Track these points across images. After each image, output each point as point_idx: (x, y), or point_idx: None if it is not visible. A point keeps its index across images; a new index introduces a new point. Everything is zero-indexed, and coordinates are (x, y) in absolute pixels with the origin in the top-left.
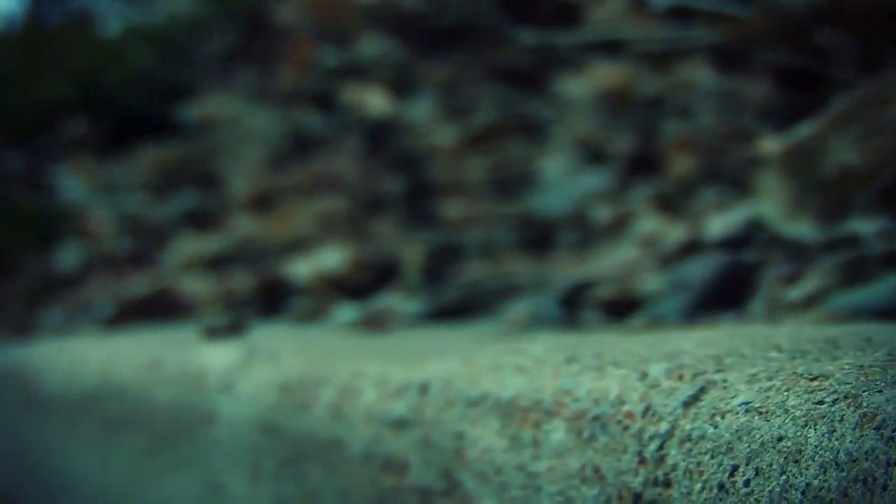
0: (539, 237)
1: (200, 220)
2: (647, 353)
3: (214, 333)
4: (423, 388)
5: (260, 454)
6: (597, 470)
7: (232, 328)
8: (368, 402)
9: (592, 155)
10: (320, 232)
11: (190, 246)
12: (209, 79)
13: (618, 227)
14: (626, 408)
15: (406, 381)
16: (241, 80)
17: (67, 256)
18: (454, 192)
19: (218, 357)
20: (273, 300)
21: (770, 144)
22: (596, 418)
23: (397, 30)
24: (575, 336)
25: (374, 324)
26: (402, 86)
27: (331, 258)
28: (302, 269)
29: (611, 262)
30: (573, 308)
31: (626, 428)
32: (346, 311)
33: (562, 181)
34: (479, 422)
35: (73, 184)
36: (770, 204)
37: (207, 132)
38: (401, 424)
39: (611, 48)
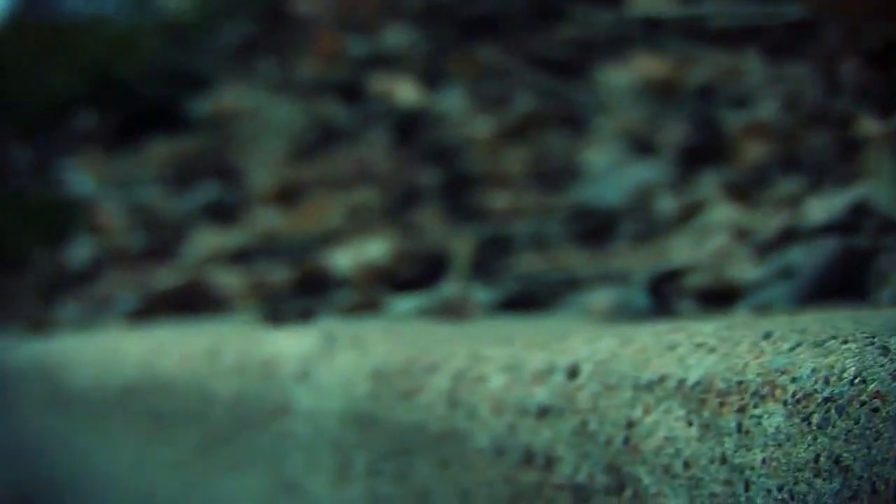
0: (594, 229)
1: (219, 214)
2: (864, 328)
3: (280, 320)
4: (572, 372)
5: (349, 449)
6: (837, 460)
7: (301, 314)
8: (496, 389)
9: (640, 146)
10: (352, 224)
11: (210, 240)
12: (226, 70)
13: (687, 217)
14: (871, 388)
15: (548, 365)
16: (259, 70)
17: (78, 251)
18: (494, 184)
19: (290, 344)
20: (313, 293)
21: (873, 125)
22: (829, 400)
23: (425, 18)
24: (734, 317)
25: (451, 311)
26: (431, 76)
27: (373, 250)
28: (343, 260)
29: (698, 251)
30: (662, 297)
31: (874, 410)
32: (405, 302)
33: (612, 172)
34: (656, 408)
35: (82, 177)
36: (880, 187)
37: (224, 124)
38: (544, 413)
39: (655, 36)
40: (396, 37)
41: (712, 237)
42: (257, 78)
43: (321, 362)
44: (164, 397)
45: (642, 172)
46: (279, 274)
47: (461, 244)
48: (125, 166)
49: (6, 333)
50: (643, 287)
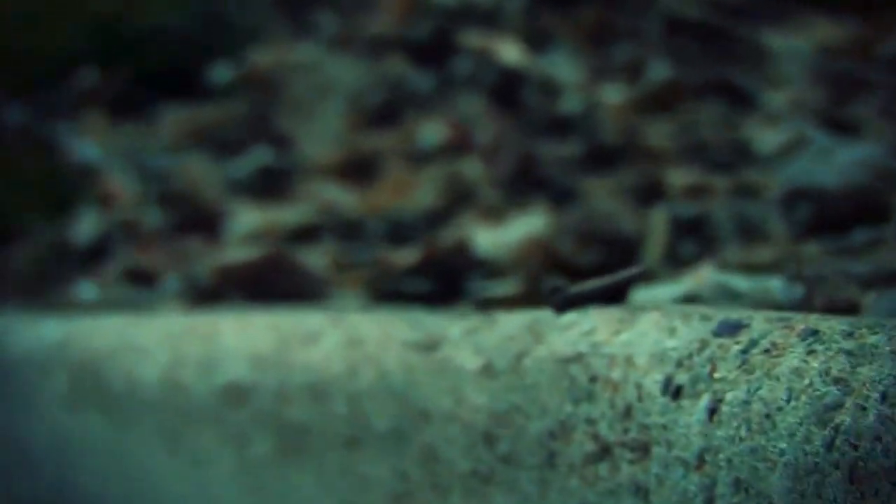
0: (821, 215)
1: (266, 187)
2: None
3: (571, 301)
4: None
5: None
6: None
7: (605, 293)
8: None
9: (828, 121)
10: (453, 201)
11: (258, 216)
12: (271, 23)
13: None
14: None
15: None
16: (314, 24)
17: (85, 225)
18: (643, 159)
19: (630, 338)
20: (448, 278)
21: None
22: None
23: None
24: None
25: (825, 294)
26: (531, 36)
27: (521, 229)
28: (486, 240)
29: None
30: None
31: None
32: (658, 290)
33: (817, 151)
34: None
35: (86, 143)
36: None
37: (267, 86)
38: None
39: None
40: None
41: None
42: (311, 33)
43: (726, 368)
44: (308, 408)
45: (860, 152)
46: (404, 254)
47: (657, 224)
48: (137, 132)
49: (8, 313)
50: None
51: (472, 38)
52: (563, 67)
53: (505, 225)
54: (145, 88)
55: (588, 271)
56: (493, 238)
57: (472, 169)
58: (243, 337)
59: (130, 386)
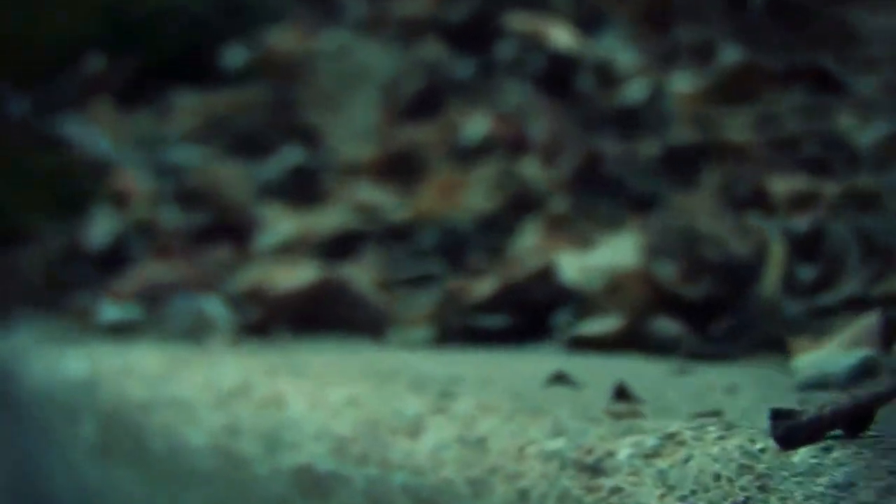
0: None
1: (295, 187)
2: None
3: (802, 432)
4: None
5: None
6: None
7: (843, 419)
8: None
9: None
10: (509, 207)
11: (290, 223)
12: (293, 5)
13: None
14: None
15: None
16: (340, 7)
17: (98, 226)
18: (727, 159)
19: None
20: (529, 311)
21: None
22: None
23: None
24: None
25: None
26: (584, 16)
27: (615, 252)
28: (571, 265)
29: None
30: None
31: None
32: (832, 353)
33: None
34: None
35: (95, 135)
36: None
37: (289, 73)
38: None
39: None
40: None
41: None
42: (337, 15)
43: None
44: None
45: None
46: (482, 283)
47: (773, 245)
48: (149, 122)
49: (22, 336)
50: None
51: (517, 20)
52: (621, 51)
53: (592, 247)
54: (155, 75)
55: (699, 306)
56: (578, 263)
57: (528, 168)
58: (315, 409)
59: (174, 448)
